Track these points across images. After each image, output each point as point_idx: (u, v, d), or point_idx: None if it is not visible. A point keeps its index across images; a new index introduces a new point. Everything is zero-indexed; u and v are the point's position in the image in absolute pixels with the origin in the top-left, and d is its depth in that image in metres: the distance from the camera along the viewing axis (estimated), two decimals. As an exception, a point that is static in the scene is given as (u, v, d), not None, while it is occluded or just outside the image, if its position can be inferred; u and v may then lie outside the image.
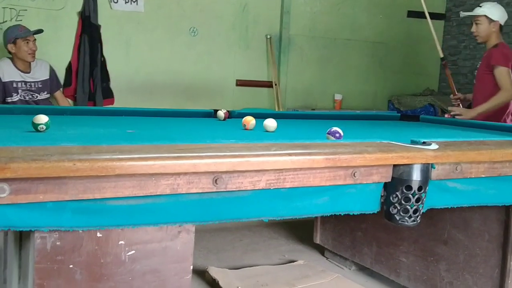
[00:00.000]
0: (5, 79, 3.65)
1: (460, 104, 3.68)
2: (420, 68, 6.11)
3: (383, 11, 5.82)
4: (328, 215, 1.51)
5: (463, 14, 3.63)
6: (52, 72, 3.91)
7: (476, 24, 3.40)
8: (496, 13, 3.38)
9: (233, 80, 5.13)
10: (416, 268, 2.40)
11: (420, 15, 5.94)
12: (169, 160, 1.18)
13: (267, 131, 2.07)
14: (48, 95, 3.85)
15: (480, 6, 3.42)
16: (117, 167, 1.11)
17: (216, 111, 2.81)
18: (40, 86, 3.79)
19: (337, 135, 1.78)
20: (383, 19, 5.82)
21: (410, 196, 1.52)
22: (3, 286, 2.33)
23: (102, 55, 4.41)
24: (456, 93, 3.77)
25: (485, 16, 3.36)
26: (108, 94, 4.46)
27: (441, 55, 3.96)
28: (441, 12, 6.10)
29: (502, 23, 3.43)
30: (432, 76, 6.24)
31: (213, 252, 2.99)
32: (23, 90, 3.71)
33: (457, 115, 3.34)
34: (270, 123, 2.08)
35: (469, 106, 3.74)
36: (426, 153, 1.53)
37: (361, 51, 5.77)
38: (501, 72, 3.28)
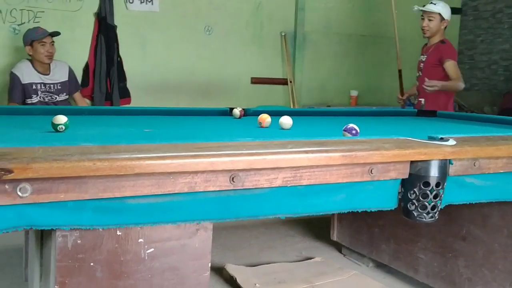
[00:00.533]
0: (25, 81, 3.70)
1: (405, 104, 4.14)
2: (437, 63, 6.04)
3: (398, 7, 5.76)
4: (346, 212, 1.51)
5: (417, 8, 3.79)
6: (71, 73, 3.96)
7: (429, 20, 3.69)
8: (447, 12, 3.73)
9: (248, 78, 5.14)
10: (435, 264, 2.38)
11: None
12: (186, 159, 1.19)
13: (282, 129, 2.07)
14: (67, 97, 3.90)
15: (434, 4, 3.69)
16: (136, 166, 1.13)
17: (231, 109, 2.82)
18: (59, 87, 3.84)
19: (354, 131, 1.77)
20: (399, 14, 5.76)
21: (428, 192, 1.52)
22: (24, 284, 2.38)
23: (118, 55, 4.46)
24: (403, 95, 4.17)
25: (439, 14, 3.67)
26: (125, 94, 4.51)
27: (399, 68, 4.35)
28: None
29: (448, 23, 3.81)
30: (449, 71, 6.15)
31: (230, 249, 3.00)
32: (42, 92, 3.76)
33: (430, 86, 3.55)
34: (286, 121, 2.09)
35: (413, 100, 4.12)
36: (444, 149, 1.52)
37: (377, 47, 5.73)
38: (452, 65, 3.64)
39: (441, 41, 3.73)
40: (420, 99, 3.81)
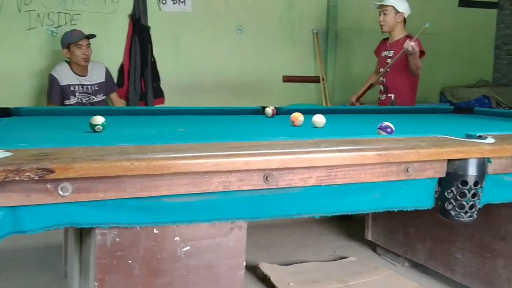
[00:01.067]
0: (63, 82, 3.81)
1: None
2: (474, 58, 5.90)
3: (433, 1, 5.65)
4: (381, 211, 1.50)
5: (373, 3, 3.80)
6: (108, 74, 4.04)
7: (384, 14, 3.67)
8: (402, 5, 3.69)
9: (280, 76, 5.13)
10: (472, 264, 2.33)
11: (472, 4, 5.76)
12: (221, 158, 1.21)
13: (315, 127, 2.07)
14: (104, 97, 3.99)
15: None
16: (172, 166, 1.15)
17: (264, 108, 2.83)
18: (96, 88, 3.93)
19: (389, 130, 1.75)
20: (433, 9, 5.65)
21: (466, 191, 1.49)
22: (64, 281, 2.45)
23: (152, 56, 4.52)
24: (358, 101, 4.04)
25: (393, 7, 3.66)
26: (159, 94, 4.57)
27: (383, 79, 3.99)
28: (494, 1, 5.86)
29: (406, 16, 3.77)
30: (486, 67, 6.01)
31: (264, 248, 3.01)
32: (80, 93, 3.86)
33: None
34: (319, 119, 2.08)
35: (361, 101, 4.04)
36: (482, 147, 1.49)
37: (411, 43, 5.62)
38: (417, 56, 3.61)
39: (407, 36, 3.70)
40: (389, 95, 3.74)
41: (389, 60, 3.74)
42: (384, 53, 3.83)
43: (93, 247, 1.26)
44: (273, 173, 1.29)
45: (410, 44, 3.42)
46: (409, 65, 3.61)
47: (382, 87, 3.87)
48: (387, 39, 3.89)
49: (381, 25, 3.72)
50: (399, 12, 3.69)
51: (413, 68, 3.61)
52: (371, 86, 3.93)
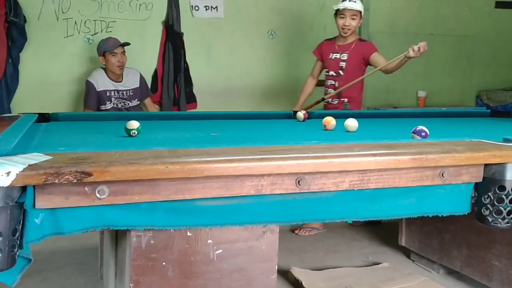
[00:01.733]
0: (99, 88, 3.90)
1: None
2: (511, 61, 5.75)
3: (468, 3, 5.54)
4: (415, 217, 1.47)
5: (346, 5, 3.45)
6: (142, 80, 4.12)
7: (353, 19, 3.48)
8: (363, 10, 3.56)
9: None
10: (510, 272, 2.26)
11: (509, 5, 5.61)
12: (253, 162, 1.22)
13: (348, 131, 2.05)
14: (138, 103, 4.06)
15: (354, 1, 3.48)
16: (205, 169, 1.16)
17: (295, 112, 2.83)
18: (131, 94, 4.01)
19: (423, 134, 1.72)
20: (469, 11, 5.54)
21: (504, 196, 1.45)
22: (100, 282, 2.50)
23: (185, 61, 4.58)
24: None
25: (360, 12, 3.50)
26: (191, 99, 4.62)
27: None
28: (509, 0, 5.69)
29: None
30: (524, 69, 5.84)
31: (295, 252, 3.00)
32: (116, 98, 3.94)
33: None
34: (351, 123, 2.07)
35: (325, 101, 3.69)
36: (521, 151, 1.45)
37: (446, 45, 5.52)
38: (380, 54, 3.49)
39: (359, 39, 3.59)
40: (342, 99, 3.54)
41: (342, 64, 3.53)
42: (334, 55, 3.58)
43: (128, 249, 1.28)
44: (305, 177, 1.29)
45: (421, 50, 3.26)
46: (392, 67, 3.38)
47: (332, 91, 3.60)
48: (331, 39, 3.68)
49: (345, 30, 3.49)
50: (362, 16, 3.55)
51: (396, 69, 3.44)
52: (322, 100, 3.65)
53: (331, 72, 3.61)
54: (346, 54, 3.53)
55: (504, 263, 2.30)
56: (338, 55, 3.57)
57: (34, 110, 2.80)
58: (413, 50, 3.22)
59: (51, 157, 1.14)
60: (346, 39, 3.56)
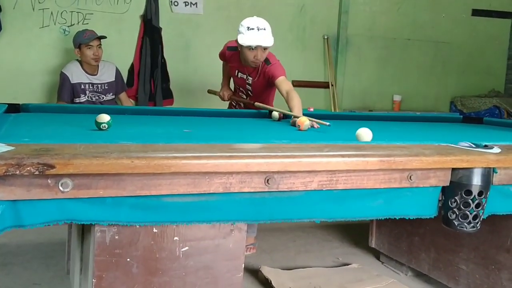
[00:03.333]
0: (74, 80, 3.84)
1: None
2: (486, 68, 5.86)
3: (445, 10, 5.63)
4: (383, 218, 1.48)
5: (260, 43, 2.99)
6: (118, 74, 4.06)
7: (264, 50, 3.05)
8: None
9: (289, 80, 5.12)
10: (476, 276, 2.30)
11: (486, 13, 5.72)
12: (222, 160, 1.21)
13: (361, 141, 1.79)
14: (113, 96, 4.01)
15: (264, 29, 3.05)
16: (172, 165, 1.15)
17: (271, 112, 2.83)
18: (106, 87, 3.95)
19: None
20: (446, 18, 5.63)
21: (470, 201, 1.47)
22: (66, 277, 2.46)
23: (162, 57, 4.54)
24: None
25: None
26: (168, 95, 4.59)
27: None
28: (508, 11, 5.82)
29: None
30: (498, 77, 5.96)
31: (267, 252, 3.00)
32: (90, 92, 3.88)
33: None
34: (365, 134, 1.82)
35: None
36: (488, 156, 1.47)
37: (422, 51, 5.60)
38: (285, 79, 3.09)
39: (266, 61, 3.11)
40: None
41: (249, 87, 3.21)
42: (241, 75, 3.23)
43: (92, 244, 1.26)
44: (274, 176, 1.28)
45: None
46: (289, 103, 2.91)
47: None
48: (235, 50, 3.22)
49: (256, 62, 3.04)
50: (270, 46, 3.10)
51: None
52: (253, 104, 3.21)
53: (241, 88, 3.31)
54: (251, 79, 3.18)
55: (470, 267, 2.33)
56: (244, 77, 3.22)
57: (6, 100, 2.74)
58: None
59: (13, 148, 1.12)
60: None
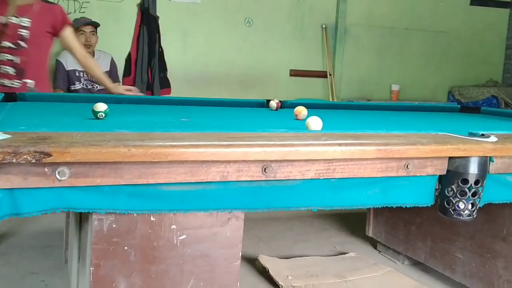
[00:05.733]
0: (68, 67, 3.83)
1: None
2: (484, 58, 5.86)
3: (444, -1, 5.61)
4: (380, 207, 1.49)
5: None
6: (113, 65, 4.05)
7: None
8: None
9: (287, 70, 5.12)
10: (473, 264, 2.32)
11: (484, 3, 5.71)
12: (219, 148, 1.20)
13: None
14: (106, 87, 4.00)
15: None
16: (170, 154, 1.14)
17: (268, 101, 2.82)
18: None
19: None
20: (444, 7, 5.61)
21: (466, 190, 1.47)
22: (64, 266, 2.47)
23: (160, 46, 4.53)
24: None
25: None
26: (165, 84, 4.58)
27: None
28: (506, 0, 5.80)
29: None
30: (496, 67, 5.96)
31: (264, 240, 3.02)
32: (85, 80, 3.87)
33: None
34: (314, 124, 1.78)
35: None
36: (484, 145, 1.47)
37: (421, 41, 5.59)
38: (72, 32, 2.72)
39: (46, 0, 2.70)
40: (26, 80, 2.79)
41: (23, 32, 2.68)
42: (9, 20, 2.68)
43: (90, 232, 1.26)
44: (271, 165, 1.28)
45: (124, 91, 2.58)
46: (83, 64, 2.73)
47: (9, 69, 2.76)
48: None
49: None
50: None
51: (85, 69, 2.88)
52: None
53: (7, 43, 2.71)
54: (28, 20, 2.66)
55: (467, 256, 2.35)
56: (15, 20, 2.67)
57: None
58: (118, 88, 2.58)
59: (10, 136, 1.11)
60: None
